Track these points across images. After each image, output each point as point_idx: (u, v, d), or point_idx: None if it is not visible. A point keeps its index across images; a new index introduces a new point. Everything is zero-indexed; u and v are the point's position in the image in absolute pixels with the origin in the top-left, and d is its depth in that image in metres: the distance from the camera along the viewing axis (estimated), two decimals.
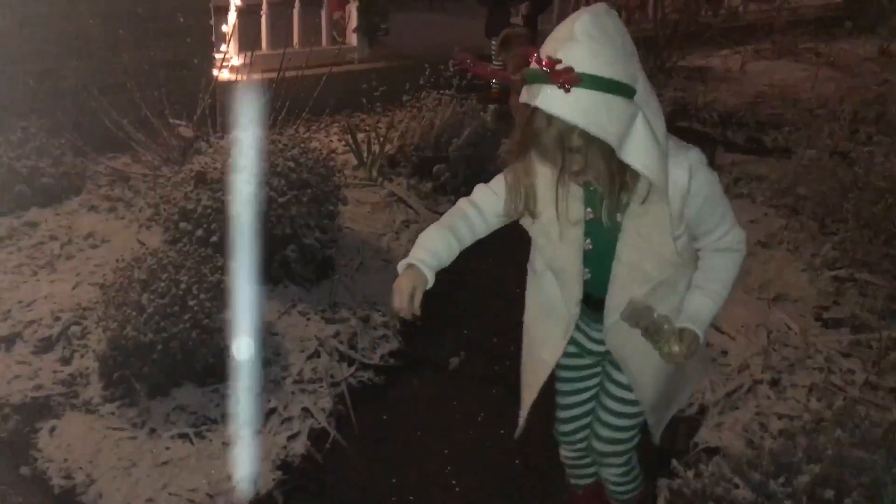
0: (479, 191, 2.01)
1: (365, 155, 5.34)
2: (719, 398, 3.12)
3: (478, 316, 3.83)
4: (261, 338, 3.40)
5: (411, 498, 2.79)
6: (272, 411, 3.07)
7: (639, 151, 1.63)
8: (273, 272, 3.82)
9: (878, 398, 3.13)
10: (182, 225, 3.67)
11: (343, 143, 5.78)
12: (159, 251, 3.31)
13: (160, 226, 3.94)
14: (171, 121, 4.83)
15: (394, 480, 2.85)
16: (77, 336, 3.35)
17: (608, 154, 1.63)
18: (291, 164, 3.83)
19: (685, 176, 1.74)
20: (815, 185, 4.85)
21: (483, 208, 1.98)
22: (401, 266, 1.91)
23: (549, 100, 1.58)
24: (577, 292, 1.99)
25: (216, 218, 3.63)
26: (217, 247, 3.54)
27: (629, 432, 2.21)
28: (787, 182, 5.14)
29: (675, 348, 1.86)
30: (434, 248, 1.92)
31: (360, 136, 5.67)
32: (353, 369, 3.40)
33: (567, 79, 1.55)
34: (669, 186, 1.72)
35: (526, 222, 1.94)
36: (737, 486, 2.61)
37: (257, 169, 3.75)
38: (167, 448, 2.86)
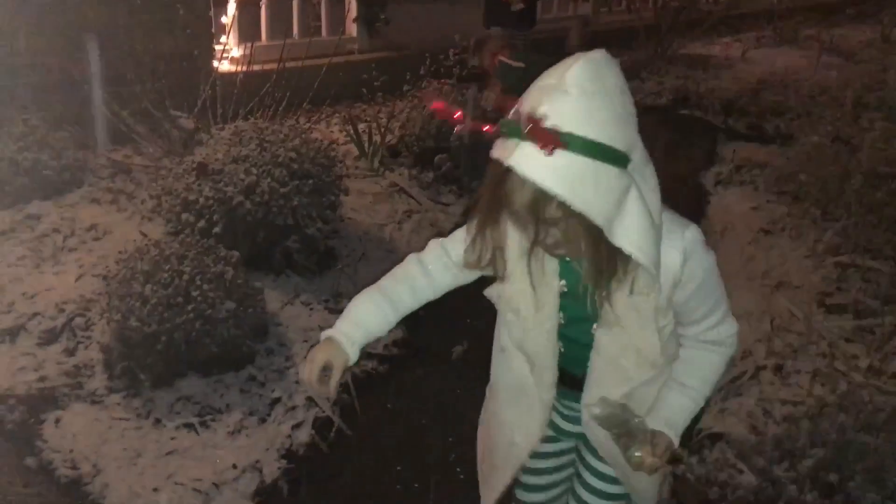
0: (431, 251, 1.77)
1: (366, 145, 5.34)
2: (723, 384, 3.13)
3: (479, 305, 3.82)
4: (264, 328, 3.42)
5: (416, 485, 2.80)
6: (276, 401, 3.08)
7: (632, 232, 1.37)
8: (275, 263, 3.83)
9: (881, 383, 3.13)
10: (184, 216, 3.67)
11: (344, 133, 5.78)
12: (162, 242, 3.31)
13: (162, 217, 3.94)
14: (171, 112, 4.83)
15: (398, 468, 2.86)
16: (81, 328, 3.36)
17: (594, 232, 1.37)
18: (293, 154, 3.83)
19: (678, 260, 1.49)
20: (817, 172, 4.84)
21: (433, 271, 1.76)
22: (322, 336, 1.70)
23: (526, 161, 1.32)
24: (550, 376, 1.71)
25: (218, 209, 3.63)
26: (219, 238, 3.54)
27: None
28: (789, 169, 5.14)
29: (649, 460, 1.60)
30: (363, 319, 1.70)
31: (361, 126, 5.67)
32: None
33: (548, 141, 1.30)
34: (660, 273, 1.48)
35: (491, 294, 1.71)
36: (741, 472, 2.63)
37: (259, 159, 3.75)
38: (172, 438, 2.87)
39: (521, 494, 2.03)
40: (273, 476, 2.76)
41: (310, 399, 3.11)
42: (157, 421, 2.93)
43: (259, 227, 3.66)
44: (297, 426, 2.98)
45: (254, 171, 3.69)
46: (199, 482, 2.68)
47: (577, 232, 1.40)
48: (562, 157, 1.31)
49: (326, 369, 1.65)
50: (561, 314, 1.64)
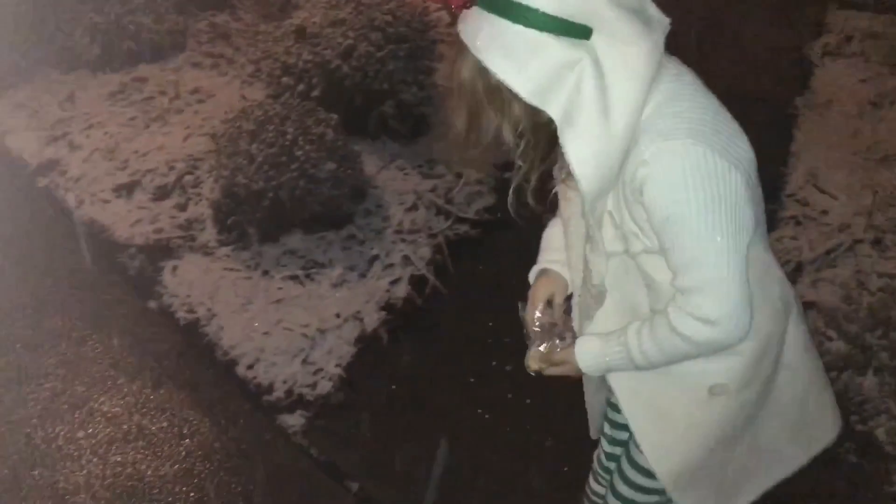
0: None
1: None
2: (817, 255, 3.10)
3: None
4: (362, 190, 3.53)
5: (507, 339, 2.92)
6: (375, 258, 3.22)
7: (566, 106, 1.16)
8: (371, 127, 3.90)
9: None
10: (284, 80, 3.75)
11: None
12: (265, 104, 3.41)
13: (262, 81, 4.03)
14: None
15: (490, 324, 2.99)
16: (191, 184, 3.54)
17: (529, 110, 1.21)
18: (388, 17, 3.82)
19: (634, 173, 1.21)
20: None
21: None
22: (532, 274, 1.65)
23: (460, 22, 1.23)
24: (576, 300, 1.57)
25: (316, 73, 3.68)
26: (318, 101, 3.62)
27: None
28: None
29: (532, 363, 1.55)
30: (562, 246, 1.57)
31: None
32: (449, 222, 3.49)
33: None
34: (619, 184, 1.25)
35: None
36: (830, 339, 2.65)
37: (355, 23, 3.77)
38: (279, 288, 3.06)
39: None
40: (373, 325, 2.93)
41: (406, 258, 3.24)
42: (265, 272, 3.12)
43: (356, 91, 3.72)
44: (394, 282, 3.13)
45: (351, 34, 3.71)
46: (305, 328, 2.88)
47: (515, 109, 1.24)
48: (475, 14, 1.19)
49: (548, 301, 1.62)
50: None
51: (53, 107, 4.04)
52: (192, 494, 2.46)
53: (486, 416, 2.69)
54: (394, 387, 2.77)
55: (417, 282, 3.15)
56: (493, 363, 2.86)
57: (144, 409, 2.71)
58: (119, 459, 2.56)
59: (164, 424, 2.66)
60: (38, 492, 2.46)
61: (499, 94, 1.22)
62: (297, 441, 2.60)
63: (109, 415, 2.70)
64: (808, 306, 2.83)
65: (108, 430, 2.66)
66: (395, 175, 3.75)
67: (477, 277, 3.26)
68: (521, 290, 3.16)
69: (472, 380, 2.81)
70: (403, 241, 3.33)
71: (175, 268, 3.16)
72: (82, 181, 3.59)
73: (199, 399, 2.73)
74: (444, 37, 5.03)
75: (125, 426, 2.66)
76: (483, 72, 1.20)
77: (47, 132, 3.87)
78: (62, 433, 2.64)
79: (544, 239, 1.64)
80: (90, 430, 2.65)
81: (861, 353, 2.53)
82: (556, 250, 1.59)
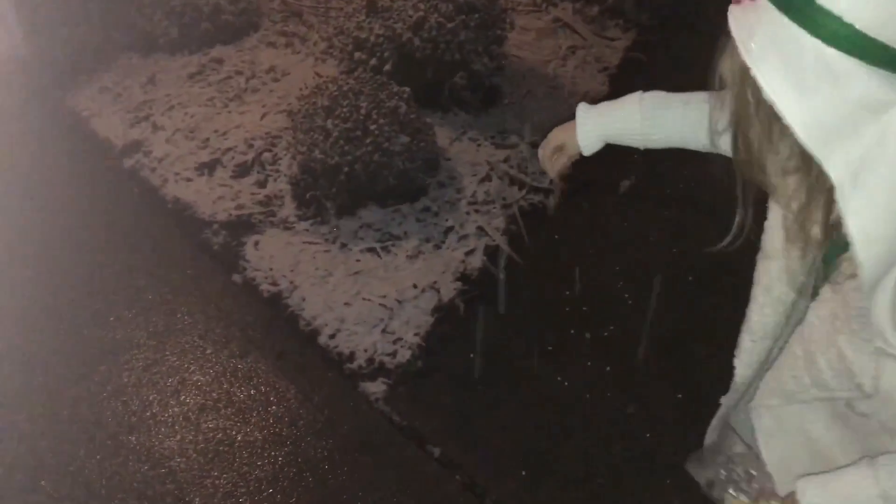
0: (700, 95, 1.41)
1: None
2: None
3: None
4: (435, 162, 3.56)
5: (584, 308, 2.93)
6: (450, 229, 3.25)
7: (864, 188, 0.85)
8: (443, 100, 3.91)
9: None
10: (356, 55, 3.79)
11: None
12: (339, 79, 3.46)
13: (335, 58, 4.08)
14: None
15: (567, 293, 2.99)
16: (269, 161, 3.62)
17: (801, 154, 0.91)
18: None
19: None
20: None
21: (692, 115, 1.39)
22: (579, 110, 1.53)
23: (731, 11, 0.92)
24: None
25: (388, 46, 3.71)
26: (390, 75, 3.65)
27: None
28: None
29: None
30: (609, 112, 1.45)
31: None
32: (523, 192, 3.49)
33: None
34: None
35: None
36: None
37: None
38: (357, 260, 3.12)
39: None
40: (449, 296, 2.97)
41: (480, 228, 3.26)
42: (343, 245, 3.18)
43: (428, 63, 3.73)
44: (469, 253, 3.16)
45: (421, 6, 3.72)
46: (384, 298, 2.93)
47: (784, 143, 0.94)
48: (762, 10, 0.86)
49: (561, 150, 1.55)
50: None
51: (136, 89, 4.18)
52: (279, 459, 2.56)
53: (566, 384, 2.70)
54: (472, 355, 2.80)
55: (492, 253, 3.17)
56: (571, 331, 2.87)
57: (233, 378, 2.81)
58: (210, 426, 2.67)
59: (252, 392, 2.76)
60: (136, 456, 2.59)
61: (767, 113, 0.92)
62: (378, 407, 2.67)
63: (200, 383, 2.81)
64: None
65: (199, 397, 2.77)
66: (468, 146, 3.76)
67: (553, 247, 3.26)
68: (596, 259, 3.16)
69: (549, 348, 2.82)
70: (477, 211, 3.35)
71: (257, 242, 3.25)
72: (166, 161, 3.71)
73: (284, 368, 2.82)
74: (515, 5, 5.01)
75: (215, 394, 2.77)
76: (753, 82, 0.88)
77: (131, 114, 4.01)
78: (156, 401, 2.77)
79: (610, 102, 1.48)
80: (182, 398, 2.77)
81: None
82: (598, 113, 1.48)
